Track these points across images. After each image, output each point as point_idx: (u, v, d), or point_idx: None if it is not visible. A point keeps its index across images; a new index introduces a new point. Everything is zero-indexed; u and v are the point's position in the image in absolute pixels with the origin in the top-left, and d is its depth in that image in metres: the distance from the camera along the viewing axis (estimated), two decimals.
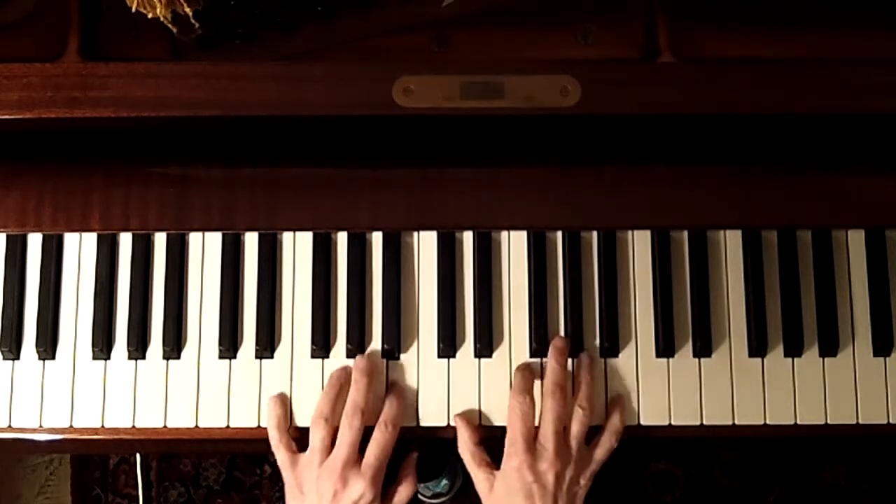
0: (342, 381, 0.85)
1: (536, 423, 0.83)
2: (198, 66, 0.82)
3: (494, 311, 0.88)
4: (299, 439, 0.85)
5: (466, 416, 0.85)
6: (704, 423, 0.86)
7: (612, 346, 0.87)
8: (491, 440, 0.85)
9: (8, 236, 0.89)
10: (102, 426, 0.86)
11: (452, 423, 0.85)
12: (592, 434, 0.84)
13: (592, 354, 0.86)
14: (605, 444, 0.84)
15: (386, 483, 0.84)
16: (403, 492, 0.85)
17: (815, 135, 0.88)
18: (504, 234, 0.89)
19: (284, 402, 0.86)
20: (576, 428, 0.82)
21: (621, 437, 0.84)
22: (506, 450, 0.82)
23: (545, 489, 0.79)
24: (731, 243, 0.89)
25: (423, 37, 0.87)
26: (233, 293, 0.88)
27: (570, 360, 0.86)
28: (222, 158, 0.88)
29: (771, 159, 0.88)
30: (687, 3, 0.84)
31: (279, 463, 0.84)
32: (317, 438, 0.83)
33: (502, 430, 0.84)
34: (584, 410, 0.82)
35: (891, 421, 0.86)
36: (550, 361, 0.84)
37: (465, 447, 0.84)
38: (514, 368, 0.86)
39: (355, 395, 0.84)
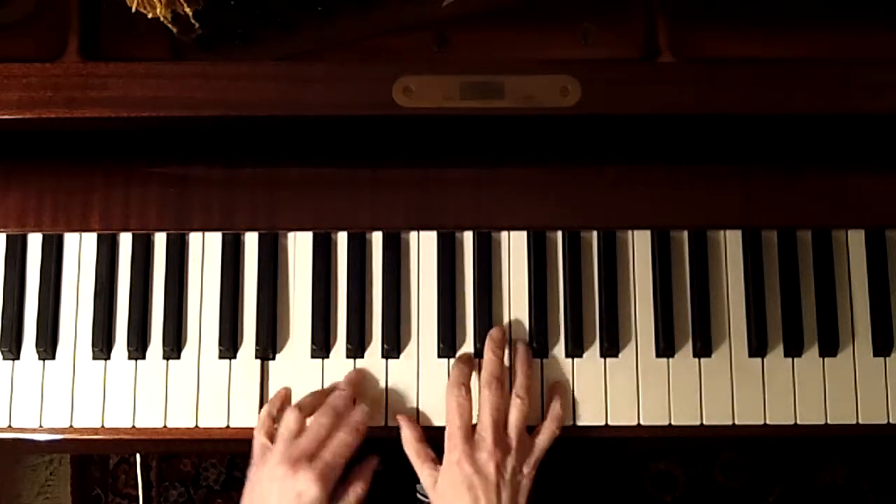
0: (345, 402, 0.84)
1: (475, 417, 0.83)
2: (198, 66, 0.82)
3: (494, 311, 0.88)
4: None
5: (407, 414, 0.86)
6: (704, 423, 0.86)
7: (612, 346, 0.87)
8: (436, 438, 0.84)
9: (8, 236, 0.89)
10: (102, 426, 0.86)
11: (392, 422, 0.85)
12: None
13: (527, 342, 0.87)
14: (547, 431, 0.83)
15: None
16: (352, 493, 0.82)
17: (815, 135, 0.88)
18: (504, 234, 0.89)
19: (288, 397, 0.86)
20: (514, 417, 0.82)
21: (563, 423, 0.84)
22: (445, 444, 0.82)
23: (487, 480, 0.78)
24: (731, 243, 0.89)
25: (423, 37, 0.87)
26: (233, 293, 0.88)
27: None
28: (222, 158, 0.88)
29: (771, 159, 0.88)
30: (687, 3, 0.84)
31: (254, 447, 0.83)
32: (284, 425, 0.82)
33: None
34: (522, 399, 0.82)
35: (891, 421, 0.86)
36: (486, 353, 0.85)
37: (409, 444, 0.84)
38: (513, 368, 0.87)
39: (335, 398, 0.84)
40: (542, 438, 0.83)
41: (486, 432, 0.80)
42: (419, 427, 0.85)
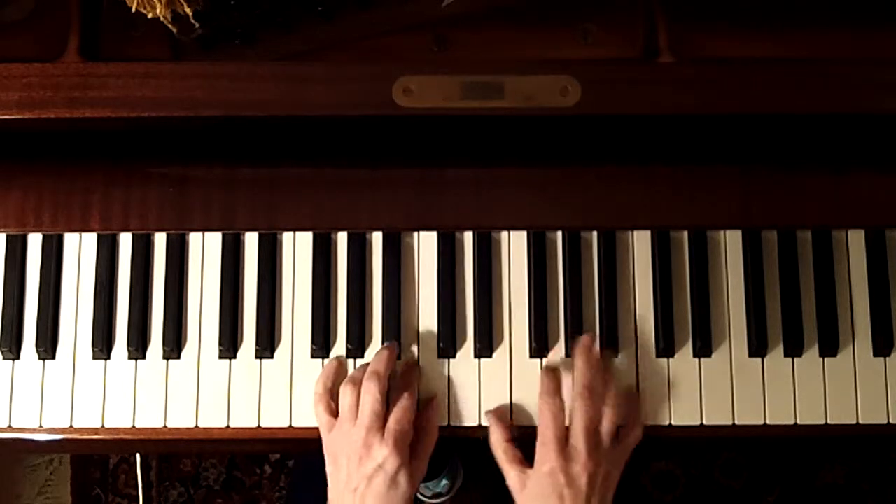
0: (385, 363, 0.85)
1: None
2: (198, 66, 0.82)
3: (494, 311, 0.88)
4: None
5: (498, 412, 0.85)
6: (704, 423, 0.86)
7: (612, 346, 0.87)
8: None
9: (8, 236, 0.89)
10: (102, 426, 0.86)
11: (484, 422, 0.85)
12: None
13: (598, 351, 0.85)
14: (634, 435, 0.83)
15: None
16: (425, 445, 0.83)
17: (814, 135, 0.88)
18: (504, 234, 0.89)
19: (342, 367, 0.86)
20: (605, 426, 0.81)
21: (644, 424, 0.85)
22: (537, 452, 0.81)
23: (578, 492, 0.78)
24: (731, 243, 0.89)
25: (423, 37, 0.87)
26: (233, 293, 0.88)
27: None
28: (222, 158, 0.88)
29: (771, 159, 0.88)
30: (687, 3, 0.84)
31: (318, 424, 0.84)
32: (345, 403, 0.82)
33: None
34: (613, 409, 0.82)
35: (891, 421, 0.86)
36: (577, 361, 0.83)
37: (497, 444, 0.84)
38: (514, 368, 0.87)
39: (374, 363, 0.84)
40: (630, 442, 0.83)
41: (579, 444, 0.80)
42: (509, 427, 0.84)
